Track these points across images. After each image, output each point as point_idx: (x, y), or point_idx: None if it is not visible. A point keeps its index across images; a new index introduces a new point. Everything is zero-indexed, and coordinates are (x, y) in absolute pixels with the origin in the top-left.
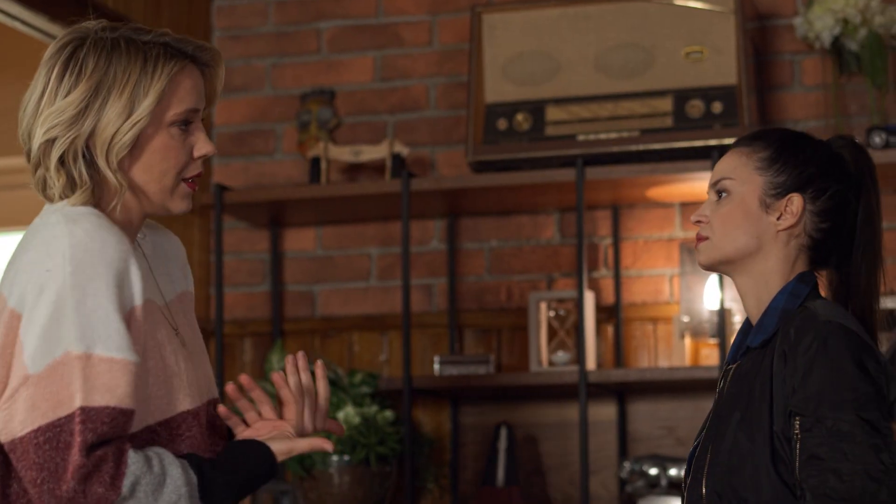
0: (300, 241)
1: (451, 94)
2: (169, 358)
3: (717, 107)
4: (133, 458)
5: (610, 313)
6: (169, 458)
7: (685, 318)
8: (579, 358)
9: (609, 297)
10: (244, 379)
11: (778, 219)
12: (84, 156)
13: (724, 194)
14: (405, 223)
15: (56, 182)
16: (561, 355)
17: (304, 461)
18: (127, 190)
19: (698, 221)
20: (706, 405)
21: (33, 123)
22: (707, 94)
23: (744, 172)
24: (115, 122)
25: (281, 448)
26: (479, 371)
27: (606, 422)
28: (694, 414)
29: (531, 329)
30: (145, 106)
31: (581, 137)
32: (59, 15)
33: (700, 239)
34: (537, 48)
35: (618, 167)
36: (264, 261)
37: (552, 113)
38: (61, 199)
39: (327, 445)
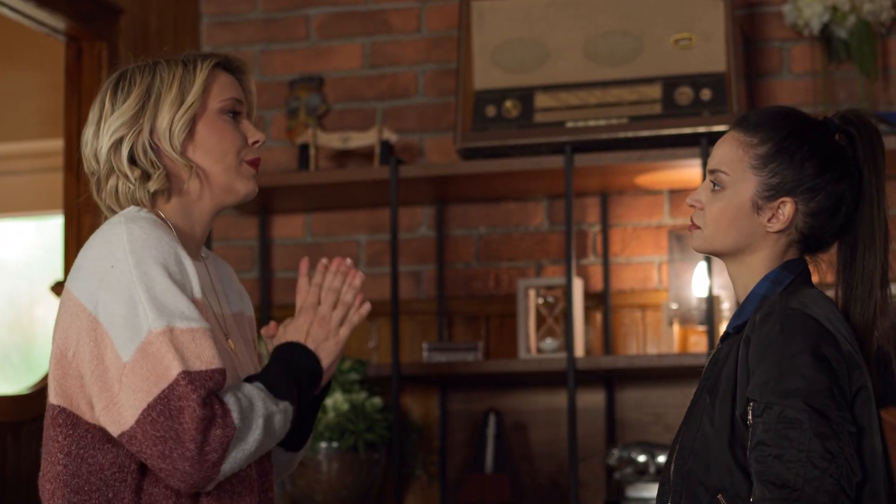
0: (289, 227)
1: (440, 81)
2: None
3: (706, 94)
4: (224, 397)
5: (598, 300)
6: (233, 385)
7: (674, 306)
8: (568, 345)
9: (598, 285)
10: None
11: (768, 220)
12: (151, 147)
13: (718, 186)
14: (393, 210)
15: (131, 176)
16: (549, 342)
17: None
18: (194, 173)
19: (692, 206)
20: (694, 392)
21: (97, 142)
22: (696, 81)
23: (739, 169)
24: (170, 112)
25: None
26: (468, 358)
27: (595, 409)
28: (682, 401)
29: (520, 316)
30: (194, 91)
31: (570, 124)
32: (48, 1)
33: (693, 226)
34: (526, 35)
35: (606, 154)
36: (253, 248)
37: (541, 100)
38: (133, 201)
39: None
